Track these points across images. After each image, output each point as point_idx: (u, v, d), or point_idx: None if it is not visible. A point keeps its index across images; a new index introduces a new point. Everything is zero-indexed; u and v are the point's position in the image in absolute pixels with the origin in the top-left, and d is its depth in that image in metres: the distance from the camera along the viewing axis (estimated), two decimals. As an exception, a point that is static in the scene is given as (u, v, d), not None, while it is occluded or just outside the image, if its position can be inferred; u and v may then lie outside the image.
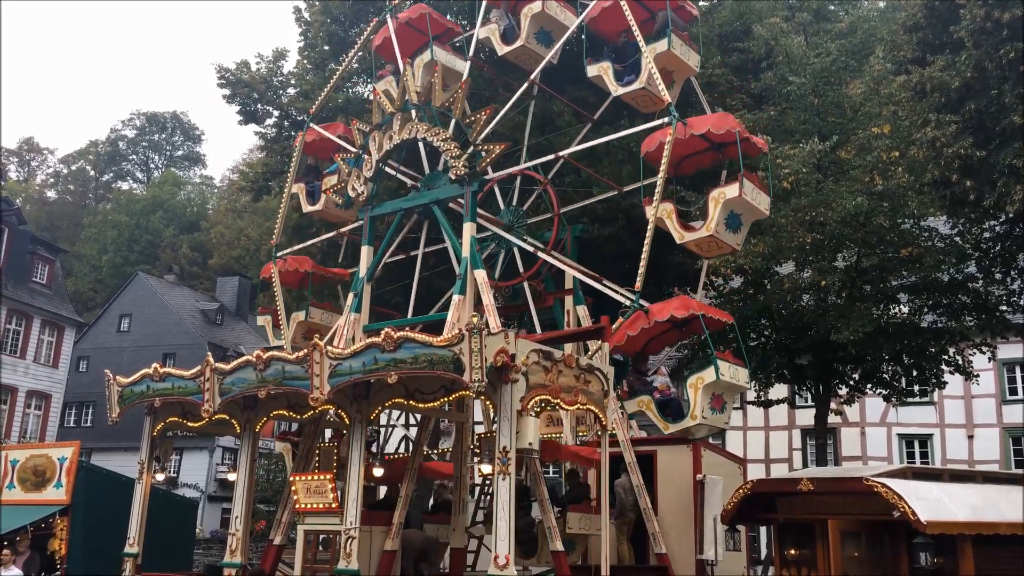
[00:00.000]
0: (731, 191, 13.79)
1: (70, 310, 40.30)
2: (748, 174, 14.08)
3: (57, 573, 15.67)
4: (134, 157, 79.15)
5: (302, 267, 18.69)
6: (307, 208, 19.00)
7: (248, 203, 51.71)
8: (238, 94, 25.74)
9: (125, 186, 77.30)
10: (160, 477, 15.38)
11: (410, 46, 18.52)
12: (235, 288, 53.81)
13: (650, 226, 13.91)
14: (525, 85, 16.93)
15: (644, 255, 13.71)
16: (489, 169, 16.34)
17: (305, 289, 19.13)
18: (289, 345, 18.59)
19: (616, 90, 15.08)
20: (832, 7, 24.82)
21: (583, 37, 15.97)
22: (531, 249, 16.32)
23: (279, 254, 19.02)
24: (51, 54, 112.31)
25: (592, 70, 15.43)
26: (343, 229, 18.82)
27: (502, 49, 17.26)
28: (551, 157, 16.69)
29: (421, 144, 17.01)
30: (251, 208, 54.01)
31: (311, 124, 19.16)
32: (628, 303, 14.01)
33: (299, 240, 20.76)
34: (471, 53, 17.96)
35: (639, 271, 13.74)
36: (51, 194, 76.00)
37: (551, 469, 16.77)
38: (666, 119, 14.35)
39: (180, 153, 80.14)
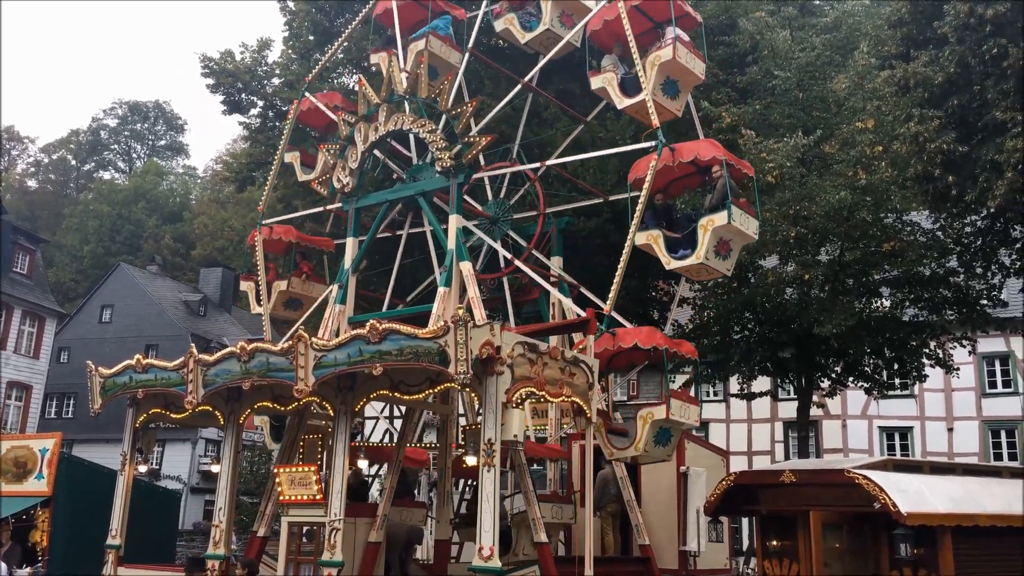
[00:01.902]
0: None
1: (51, 300, 39.98)
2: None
3: (38, 565, 15.59)
4: (116, 147, 78.46)
5: (287, 236, 18.56)
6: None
7: (232, 194, 51.41)
8: (222, 84, 25.58)
9: (107, 176, 76.67)
10: (142, 469, 15.32)
11: (411, 17, 18.34)
12: (218, 279, 53.46)
13: (625, 250, 13.83)
14: (517, 88, 16.81)
15: (619, 275, 13.64)
16: (482, 159, 16.33)
17: (289, 257, 18.92)
18: (267, 316, 18.53)
19: (669, 263, 14.10)
20: (817, 2, 24.89)
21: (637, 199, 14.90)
22: (508, 256, 16.32)
23: (264, 221, 18.84)
24: (32, 42, 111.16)
25: (640, 238, 14.16)
26: (329, 207, 18.75)
27: (622, 102, 14.88)
28: (537, 165, 16.81)
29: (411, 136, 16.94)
30: (235, 199, 53.67)
31: (307, 94, 18.98)
32: (653, 143, 13.87)
33: (286, 209, 20.68)
34: (471, 43, 17.72)
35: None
36: (32, 183, 75.24)
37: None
38: (652, 143, 14.20)
39: (163, 143, 79.51)
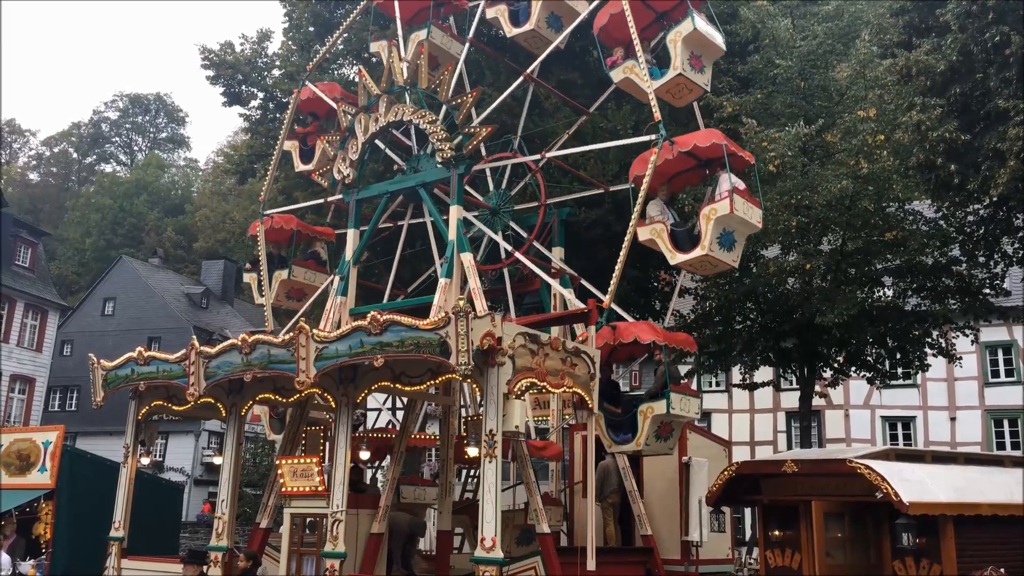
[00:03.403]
0: None
1: (53, 294, 40.03)
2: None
3: (42, 557, 15.64)
4: (117, 139, 78.50)
5: (288, 225, 18.52)
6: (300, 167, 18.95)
7: (233, 186, 51.41)
8: (222, 76, 25.51)
9: (108, 168, 76.67)
10: (145, 461, 15.34)
11: (411, 8, 18.18)
12: (220, 272, 53.54)
13: (626, 242, 13.55)
14: (520, 79, 16.56)
15: (619, 268, 13.42)
16: (483, 149, 16.24)
17: (291, 247, 18.82)
18: (268, 306, 18.47)
19: (611, 447, 13.71)
20: (819, -10, 24.75)
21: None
22: (508, 248, 16.24)
23: (265, 212, 18.71)
24: (33, 34, 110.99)
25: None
26: (330, 199, 18.70)
27: (675, 257, 13.71)
28: (538, 157, 16.65)
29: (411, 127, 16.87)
30: (236, 191, 53.67)
31: (307, 83, 18.74)
32: (653, 137, 13.39)
33: (287, 201, 20.70)
34: (471, 33, 17.56)
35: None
36: (33, 176, 75.31)
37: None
38: (652, 136, 13.88)
39: (164, 135, 79.52)
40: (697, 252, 13.13)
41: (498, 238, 16.55)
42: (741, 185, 13.55)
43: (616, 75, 14.49)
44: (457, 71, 17.00)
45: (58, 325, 40.27)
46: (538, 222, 17.16)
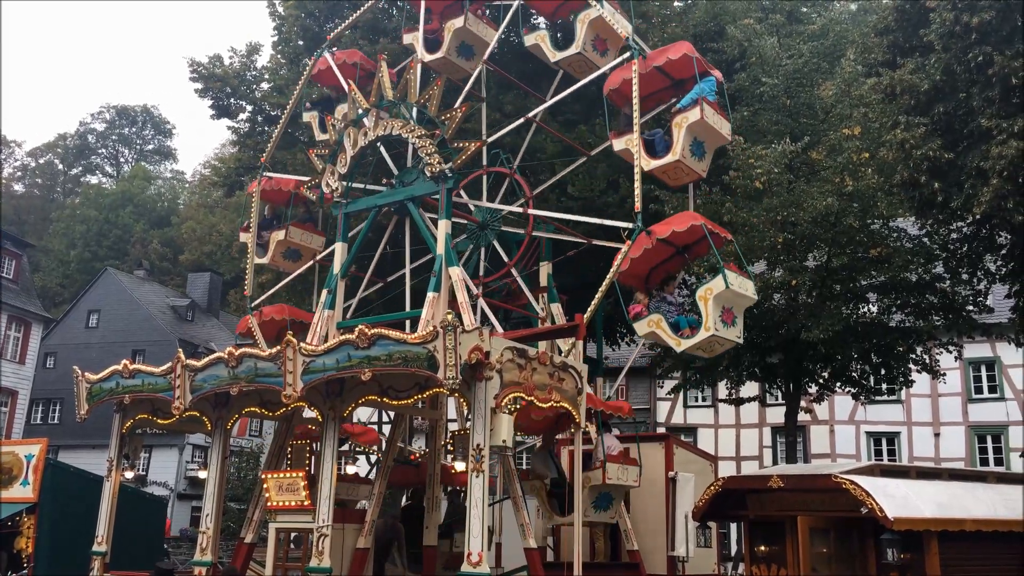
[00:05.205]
0: None
1: (37, 305, 39.75)
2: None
3: (24, 572, 15.49)
4: (103, 151, 78.16)
5: (286, 186, 18.58)
6: (320, 136, 19.07)
7: (220, 198, 51.26)
8: (211, 88, 25.51)
9: (94, 180, 76.29)
10: (129, 475, 15.23)
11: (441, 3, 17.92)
12: (206, 284, 53.27)
13: (636, 153, 13.63)
14: (520, 121, 16.33)
15: (637, 177, 13.53)
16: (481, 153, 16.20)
17: (288, 207, 18.85)
18: (251, 271, 18.70)
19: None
20: (804, 9, 25.04)
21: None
22: (503, 254, 16.19)
23: (266, 174, 18.90)
24: (19, 45, 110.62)
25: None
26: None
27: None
28: (521, 121, 16.26)
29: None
30: (223, 203, 53.52)
31: (325, 53, 18.79)
32: (630, 227, 13.42)
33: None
34: (486, 55, 17.08)
35: (635, 191, 13.51)
36: (18, 188, 74.80)
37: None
38: (627, 55, 14.17)
39: (151, 147, 79.22)
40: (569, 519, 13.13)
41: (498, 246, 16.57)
42: (615, 450, 14.15)
43: (641, 328, 13.68)
44: (472, 80, 16.83)
45: (41, 337, 39.95)
46: (526, 238, 17.15)
